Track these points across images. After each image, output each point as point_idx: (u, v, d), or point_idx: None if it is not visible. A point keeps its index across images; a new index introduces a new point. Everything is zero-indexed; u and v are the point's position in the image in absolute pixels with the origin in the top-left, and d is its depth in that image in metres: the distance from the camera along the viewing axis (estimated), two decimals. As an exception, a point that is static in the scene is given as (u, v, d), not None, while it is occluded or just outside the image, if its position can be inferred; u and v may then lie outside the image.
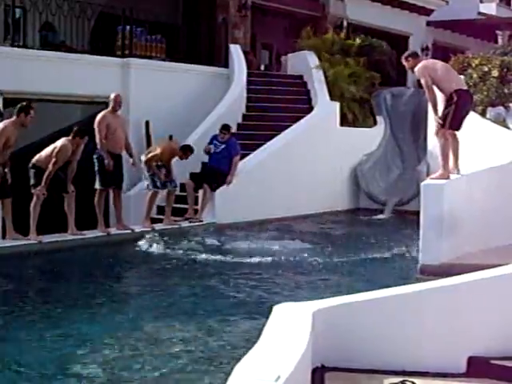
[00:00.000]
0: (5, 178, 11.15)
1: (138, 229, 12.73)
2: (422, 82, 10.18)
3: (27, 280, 10.09)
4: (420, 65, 10.13)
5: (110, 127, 12.46)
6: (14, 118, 11.20)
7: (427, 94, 10.30)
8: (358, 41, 19.85)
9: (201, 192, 14.16)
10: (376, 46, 20.20)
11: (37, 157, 11.57)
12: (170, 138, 14.86)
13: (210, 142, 14.51)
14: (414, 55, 10.55)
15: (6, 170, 11.17)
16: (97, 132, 12.30)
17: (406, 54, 10.63)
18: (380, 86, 19.69)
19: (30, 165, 11.55)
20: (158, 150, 13.45)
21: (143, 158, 13.40)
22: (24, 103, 11.38)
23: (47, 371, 6.19)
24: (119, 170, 12.65)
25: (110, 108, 12.75)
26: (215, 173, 14.24)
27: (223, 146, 14.38)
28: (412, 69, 10.34)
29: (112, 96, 12.79)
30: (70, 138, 11.54)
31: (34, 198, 11.37)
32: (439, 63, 10.62)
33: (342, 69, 18.74)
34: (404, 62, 10.48)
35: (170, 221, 13.60)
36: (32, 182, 11.48)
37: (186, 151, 13.91)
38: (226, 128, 14.51)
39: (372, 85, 19.39)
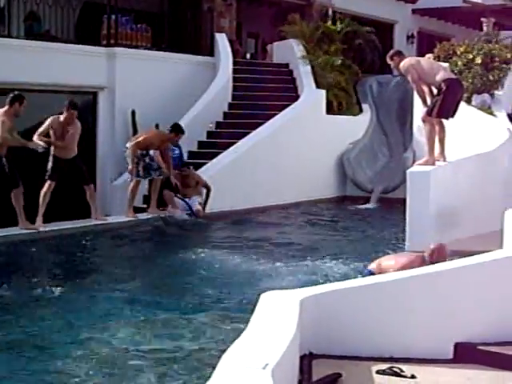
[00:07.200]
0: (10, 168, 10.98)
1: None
2: (409, 77, 10.37)
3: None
4: (404, 62, 10.31)
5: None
6: (7, 107, 10.96)
7: (415, 89, 10.46)
8: (338, 25, 19.74)
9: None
10: (359, 31, 20.17)
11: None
12: (157, 126, 14.74)
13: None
14: (399, 54, 10.68)
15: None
16: None
17: (391, 52, 10.77)
18: (364, 73, 19.67)
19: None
20: (142, 137, 13.15)
21: (128, 145, 13.14)
22: (16, 93, 11.20)
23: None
24: (73, 170, 12.12)
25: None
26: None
27: (177, 151, 14.23)
28: (397, 67, 10.48)
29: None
30: None
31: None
32: (422, 59, 10.94)
33: (327, 57, 18.72)
34: (389, 61, 10.63)
35: (155, 210, 13.20)
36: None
37: (177, 132, 13.36)
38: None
39: (356, 73, 19.35)
